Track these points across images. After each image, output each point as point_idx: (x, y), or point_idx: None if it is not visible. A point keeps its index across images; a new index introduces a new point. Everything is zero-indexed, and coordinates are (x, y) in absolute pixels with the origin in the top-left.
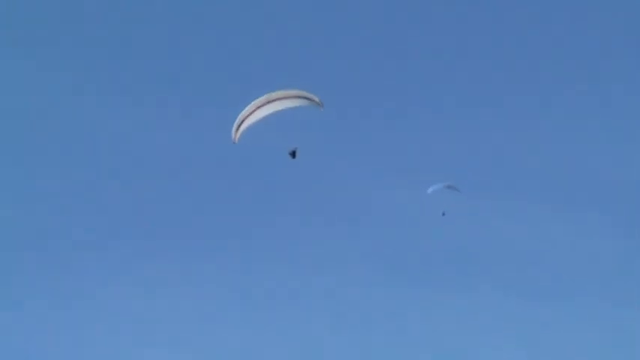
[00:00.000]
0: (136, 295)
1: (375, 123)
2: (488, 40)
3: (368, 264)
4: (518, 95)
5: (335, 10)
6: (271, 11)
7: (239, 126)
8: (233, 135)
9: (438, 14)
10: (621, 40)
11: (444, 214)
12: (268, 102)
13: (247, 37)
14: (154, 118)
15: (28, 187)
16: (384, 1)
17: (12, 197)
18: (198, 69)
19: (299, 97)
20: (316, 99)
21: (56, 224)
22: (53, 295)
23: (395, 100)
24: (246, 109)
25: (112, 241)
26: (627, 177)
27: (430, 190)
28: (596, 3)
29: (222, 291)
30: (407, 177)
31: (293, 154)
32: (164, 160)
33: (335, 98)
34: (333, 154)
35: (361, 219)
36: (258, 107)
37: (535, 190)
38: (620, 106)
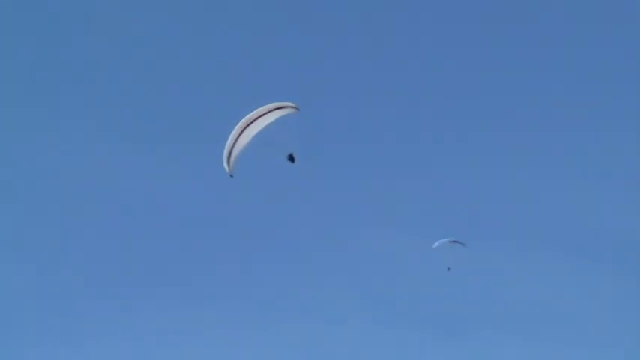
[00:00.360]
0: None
1: (380, 174)
2: (489, 86)
3: (373, 315)
4: (519, 142)
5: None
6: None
7: (229, 158)
8: (227, 168)
9: (425, 62)
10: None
11: (449, 269)
12: (248, 125)
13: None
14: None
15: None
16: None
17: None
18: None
19: (274, 109)
20: (291, 104)
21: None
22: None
23: (401, 154)
24: (229, 139)
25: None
26: (632, 226)
27: (436, 244)
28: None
29: (219, 337)
30: (412, 229)
31: (291, 159)
32: (155, 212)
33: (341, 152)
34: (340, 207)
35: (366, 270)
36: (240, 134)
37: (540, 240)
38: (624, 155)
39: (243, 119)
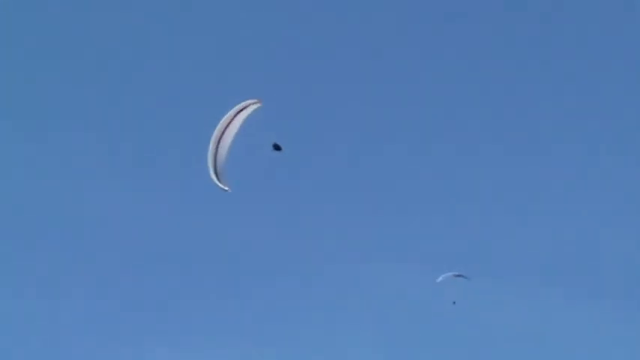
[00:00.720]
0: None
1: (385, 209)
2: (493, 119)
3: (376, 349)
4: (524, 177)
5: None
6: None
7: (217, 175)
8: (221, 186)
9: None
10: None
11: (454, 303)
12: (221, 136)
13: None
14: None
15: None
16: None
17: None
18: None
19: (239, 111)
20: (251, 101)
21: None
22: None
23: (403, 189)
24: (209, 157)
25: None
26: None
27: (439, 279)
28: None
29: None
30: (416, 264)
31: (277, 147)
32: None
33: (346, 186)
34: (343, 242)
35: (370, 306)
36: (217, 147)
37: (544, 275)
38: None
39: (214, 134)
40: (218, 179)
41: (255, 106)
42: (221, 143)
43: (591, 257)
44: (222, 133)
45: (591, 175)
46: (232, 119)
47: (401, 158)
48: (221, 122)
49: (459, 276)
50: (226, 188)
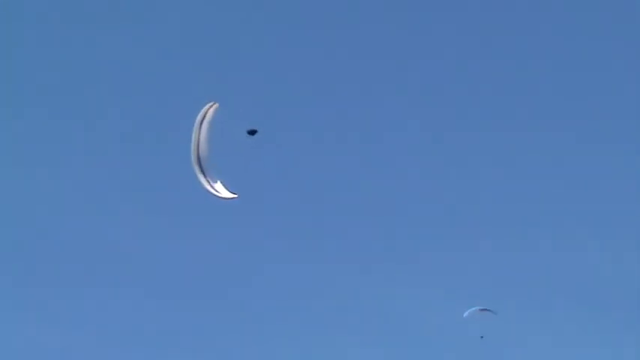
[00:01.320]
0: None
1: (408, 240)
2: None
3: None
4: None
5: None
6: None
7: (210, 184)
8: (228, 196)
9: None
10: None
11: (482, 338)
12: (199, 146)
13: None
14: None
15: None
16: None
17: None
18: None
19: (201, 121)
20: (208, 105)
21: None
22: None
23: (426, 220)
24: (197, 172)
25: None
26: None
27: (466, 313)
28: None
29: None
30: (443, 297)
31: (252, 132)
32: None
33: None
34: (368, 271)
35: (396, 338)
36: (199, 156)
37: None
38: None
39: (192, 155)
40: (218, 191)
41: (213, 109)
42: (202, 159)
43: (626, 289)
44: (198, 148)
45: (625, 202)
46: (199, 132)
47: (420, 177)
48: (192, 141)
49: (484, 310)
50: (233, 195)
